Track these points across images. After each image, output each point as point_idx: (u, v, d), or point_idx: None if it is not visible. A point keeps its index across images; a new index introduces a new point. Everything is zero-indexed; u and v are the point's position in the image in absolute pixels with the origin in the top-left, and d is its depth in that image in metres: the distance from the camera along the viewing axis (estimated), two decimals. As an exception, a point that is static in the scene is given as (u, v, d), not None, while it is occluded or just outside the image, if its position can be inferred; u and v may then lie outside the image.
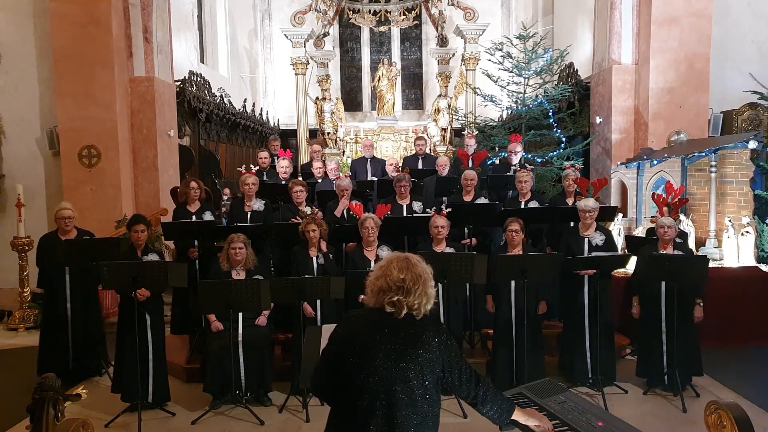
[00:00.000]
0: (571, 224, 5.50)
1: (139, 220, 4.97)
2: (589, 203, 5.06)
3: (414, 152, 8.48)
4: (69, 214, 5.34)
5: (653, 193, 6.11)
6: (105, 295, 5.66)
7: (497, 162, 7.61)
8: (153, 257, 4.88)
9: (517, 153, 7.03)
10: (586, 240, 5.07)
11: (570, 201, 5.98)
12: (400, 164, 8.30)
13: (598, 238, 5.05)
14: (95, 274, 5.04)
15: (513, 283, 4.81)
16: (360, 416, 2.08)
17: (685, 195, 6.32)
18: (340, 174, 7.19)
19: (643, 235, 6.12)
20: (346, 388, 2.13)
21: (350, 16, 14.39)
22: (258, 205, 5.98)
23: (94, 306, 5.53)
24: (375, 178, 7.54)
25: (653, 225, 5.79)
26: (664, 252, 4.84)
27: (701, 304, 4.80)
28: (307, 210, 5.67)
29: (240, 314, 4.72)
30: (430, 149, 13.19)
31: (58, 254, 5.23)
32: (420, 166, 7.98)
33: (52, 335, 5.36)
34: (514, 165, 6.97)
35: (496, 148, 9.03)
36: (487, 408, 2.36)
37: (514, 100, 8.91)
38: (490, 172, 7.46)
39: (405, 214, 5.89)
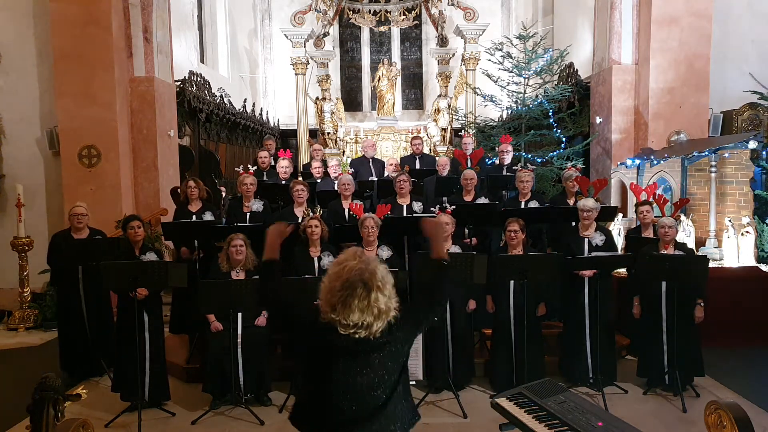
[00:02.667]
0: (572, 224, 5.50)
1: (134, 218, 4.99)
2: (588, 203, 5.06)
3: (411, 152, 8.46)
4: (82, 211, 5.40)
5: (631, 183, 6.13)
6: (113, 294, 5.71)
7: (497, 162, 7.60)
8: (151, 256, 4.88)
9: (508, 153, 7.03)
10: (586, 240, 5.06)
11: (571, 201, 5.98)
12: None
13: (599, 239, 5.05)
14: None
15: (512, 283, 4.81)
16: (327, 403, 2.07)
17: (690, 195, 6.36)
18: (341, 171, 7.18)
19: (642, 236, 6.13)
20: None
21: (350, 16, 14.39)
22: (257, 205, 5.97)
23: (106, 305, 5.56)
24: (373, 178, 7.53)
25: (636, 226, 5.82)
26: (665, 252, 4.85)
27: (702, 305, 4.80)
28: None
29: (240, 314, 4.72)
30: (430, 149, 13.21)
31: (69, 253, 5.28)
32: (417, 166, 7.97)
33: (70, 331, 5.41)
34: (506, 165, 6.98)
35: (496, 149, 9.02)
36: (444, 295, 2.42)
37: (514, 100, 8.90)
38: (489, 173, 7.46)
39: (405, 214, 5.88)
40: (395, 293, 2.07)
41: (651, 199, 5.91)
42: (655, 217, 5.54)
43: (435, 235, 2.51)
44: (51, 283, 5.85)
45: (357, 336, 2.00)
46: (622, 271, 5.77)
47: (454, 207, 5.30)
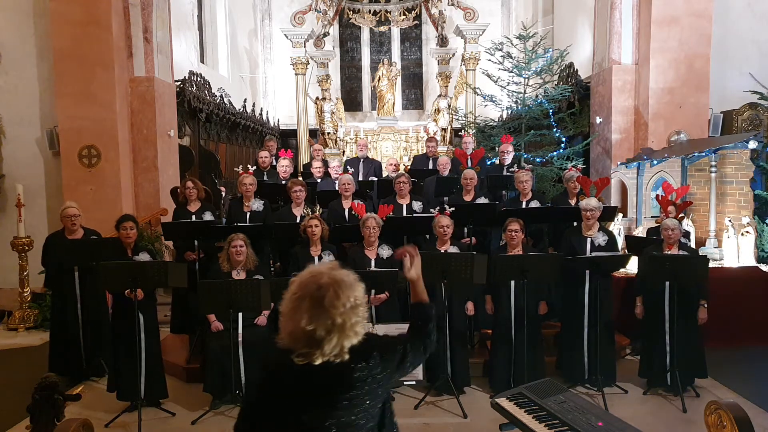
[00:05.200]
0: (575, 224, 5.50)
1: (127, 218, 4.96)
2: (591, 203, 5.06)
3: (425, 152, 8.52)
4: (74, 213, 5.33)
5: (657, 195, 6.11)
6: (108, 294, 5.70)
7: (497, 162, 7.61)
8: (144, 256, 4.87)
9: (509, 153, 7.04)
10: (589, 240, 5.06)
11: (573, 201, 5.98)
12: (401, 164, 8.33)
13: (601, 239, 5.04)
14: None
15: (512, 283, 4.81)
16: None
17: (686, 196, 6.34)
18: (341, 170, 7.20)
19: (644, 236, 6.13)
20: None
21: (350, 16, 14.39)
22: (257, 205, 5.97)
23: (102, 306, 5.54)
24: (373, 178, 7.55)
25: (655, 225, 5.80)
26: (669, 252, 4.85)
27: (705, 305, 4.80)
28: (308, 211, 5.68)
29: (240, 314, 4.71)
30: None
31: (64, 254, 5.24)
32: (430, 167, 7.98)
33: (63, 335, 5.38)
34: (507, 165, 6.99)
35: (496, 149, 9.02)
36: (430, 331, 2.07)
37: (514, 100, 8.90)
38: (489, 173, 7.46)
39: (405, 213, 5.89)
40: (363, 316, 1.75)
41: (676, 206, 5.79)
42: (659, 217, 5.54)
43: (414, 277, 2.15)
44: (45, 285, 5.77)
45: (314, 361, 1.71)
46: (623, 270, 5.77)
47: (453, 209, 5.31)
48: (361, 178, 7.68)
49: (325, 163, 7.92)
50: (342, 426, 1.73)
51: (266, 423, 1.78)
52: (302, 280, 1.74)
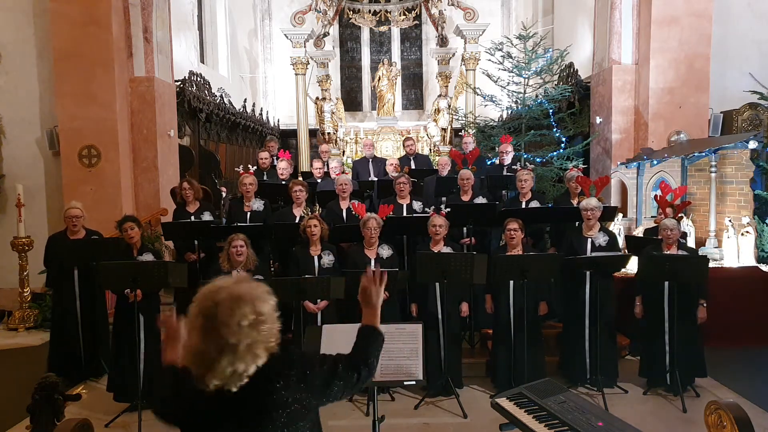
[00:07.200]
0: (575, 224, 5.50)
1: (129, 219, 4.97)
2: (591, 202, 5.06)
3: (405, 153, 8.49)
4: (77, 213, 5.35)
5: (655, 195, 6.11)
6: (109, 295, 5.70)
7: (497, 162, 7.60)
8: (148, 257, 4.87)
9: (508, 153, 7.04)
10: (589, 240, 5.06)
11: (574, 201, 5.98)
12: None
13: (602, 239, 5.04)
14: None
15: (511, 283, 4.81)
16: None
17: (686, 195, 6.33)
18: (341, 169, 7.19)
19: (641, 236, 6.13)
20: None
21: (350, 16, 14.39)
22: (257, 205, 5.98)
23: (101, 306, 5.55)
24: (376, 178, 7.54)
25: (654, 225, 5.80)
26: (668, 252, 4.84)
27: (704, 305, 4.80)
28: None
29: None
30: (431, 149, 13.22)
31: (66, 254, 5.25)
32: (413, 166, 7.98)
33: (63, 335, 5.38)
34: (507, 165, 6.98)
35: (496, 149, 9.02)
36: (371, 362, 1.88)
37: (514, 100, 8.90)
38: (488, 173, 7.46)
39: (405, 213, 5.89)
40: (268, 335, 1.59)
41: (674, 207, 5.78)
42: (658, 217, 5.54)
43: (366, 297, 1.99)
44: (47, 285, 5.79)
45: (209, 387, 1.56)
46: (623, 270, 5.77)
47: (449, 209, 5.31)
48: (373, 178, 7.60)
49: (326, 164, 7.90)
50: None
51: None
52: (201, 295, 1.58)
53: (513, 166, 6.93)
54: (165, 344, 1.85)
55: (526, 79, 8.73)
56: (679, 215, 5.80)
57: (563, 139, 8.69)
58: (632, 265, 5.47)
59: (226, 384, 1.55)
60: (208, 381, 1.55)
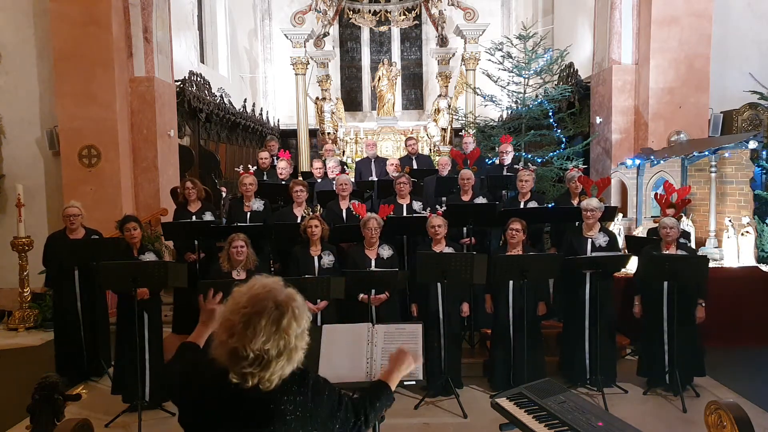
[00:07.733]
0: (576, 224, 5.50)
1: (131, 219, 4.99)
2: (592, 203, 5.06)
3: (407, 153, 8.49)
4: (75, 212, 5.36)
5: (655, 194, 6.11)
6: (109, 294, 5.71)
7: (497, 162, 7.60)
8: (150, 256, 4.88)
9: (508, 153, 7.04)
10: (589, 240, 5.06)
11: (575, 202, 5.98)
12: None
13: (602, 239, 5.04)
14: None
15: (511, 283, 4.81)
16: None
17: (687, 196, 6.33)
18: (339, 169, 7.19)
19: (644, 236, 6.13)
20: None
21: (350, 16, 14.39)
22: (257, 205, 5.98)
23: (101, 306, 5.55)
24: (376, 178, 7.54)
25: (655, 225, 5.80)
26: (667, 252, 4.84)
27: (703, 305, 4.81)
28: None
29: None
30: (431, 149, 13.22)
31: (65, 253, 5.25)
32: (415, 166, 7.98)
33: (66, 334, 5.39)
34: (507, 165, 6.99)
35: (496, 149, 9.02)
36: (371, 417, 1.91)
37: (514, 100, 8.90)
38: (489, 173, 7.46)
39: (405, 213, 5.89)
40: (305, 342, 1.64)
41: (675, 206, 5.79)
42: (658, 217, 5.54)
43: (398, 363, 2.12)
44: (46, 285, 5.79)
45: (247, 384, 1.58)
46: (623, 270, 5.77)
47: (445, 208, 5.30)
48: (375, 178, 7.60)
49: (325, 163, 7.90)
50: None
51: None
52: (254, 294, 1.59)
53: (513, 166, 6.93)
54: (201, 324, 2.04)
55: (526, 79, 8.74)
56: (679, 214, 5.81)
57: (563, 139, 8.70)
58: (632, 265, 5.47)
59: (262, 383, 1.57)
60: (253, 380, 1.57)
